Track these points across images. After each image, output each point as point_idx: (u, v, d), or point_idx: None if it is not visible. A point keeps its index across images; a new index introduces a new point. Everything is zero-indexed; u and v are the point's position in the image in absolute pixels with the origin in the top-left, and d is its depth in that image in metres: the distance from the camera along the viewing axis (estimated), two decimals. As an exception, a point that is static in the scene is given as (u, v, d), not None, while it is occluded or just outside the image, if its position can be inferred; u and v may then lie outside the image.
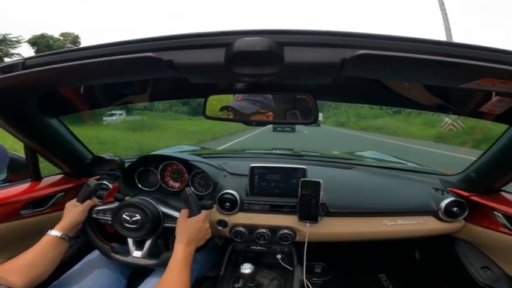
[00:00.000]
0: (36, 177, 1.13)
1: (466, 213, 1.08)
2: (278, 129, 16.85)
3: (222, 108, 0.96)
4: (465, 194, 1.11)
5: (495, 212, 1.00)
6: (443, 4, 12.10)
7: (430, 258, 1.40)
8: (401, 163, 1.83)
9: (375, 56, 0.51)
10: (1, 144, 0.81)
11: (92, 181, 0.99)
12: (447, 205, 1.07)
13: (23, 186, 1.10)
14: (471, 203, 1.08)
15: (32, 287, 0.78)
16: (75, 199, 0.96)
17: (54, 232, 0.86)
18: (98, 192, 1.05)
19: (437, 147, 10.50)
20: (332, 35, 0.53)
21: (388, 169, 1.45)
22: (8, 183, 1.11)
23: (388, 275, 1.54)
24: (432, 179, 1.27)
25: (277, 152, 1.96)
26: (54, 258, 0.84)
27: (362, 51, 0.51)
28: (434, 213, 1.10)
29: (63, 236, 0.87)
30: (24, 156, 1.09)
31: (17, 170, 1.15)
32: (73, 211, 0.92)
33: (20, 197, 1.04)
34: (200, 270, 1.12)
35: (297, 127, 17.41)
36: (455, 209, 1.07)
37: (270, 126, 17.09)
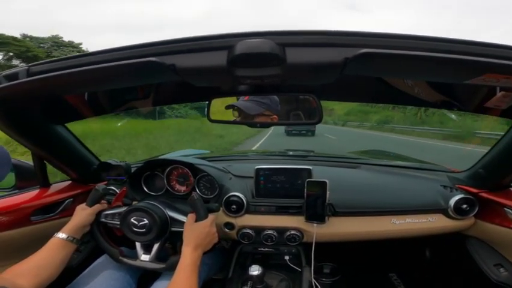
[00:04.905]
0: (45, 184, 1.15)
1: (476, 210, 1.06)
2: (293, 132, 14.47)
3: (228, 107, 0.96)
4: (474, 190, 1.09)
5: (505, 209, 0.99)
6: None
7: (441, 256, 1.38)
8: (407, 161, 1.82)
9: (377, 54, 0.51)
10: (2, 147, 0.82)
11: (101, 185, 1.01)
12: (456, 202, 1.06)
13: (32, 193, 1.11)
14: (481, 199, 1.07)
15: None
16: (84, 203, 0.98)
17: (61, 234, 0.88)
18: (106, 197, 1.06)
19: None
20: (334, 34, 0.53)
21: (394, 167, 1.44)
22: (17, 191, 1.13)
23: (398, 274, 1.52)
24: (440, 176, 1.26)
25: (281, 153, 1.96)
26: (61, 261, 0.86)
27: (364, 50, 0.51)
28: (444, 211, 1.09)
29: (69, 238, 0.88)
30: (32, 163, 1.10)
31: (26, 177, 1.16)
32: (81, 214, 0.94)
33: (29, 204, 1.06)
34: (208, 273, 1.12)
35: (319, 129, 15.31)
36: (464, 206, 1.06)
37: (281, 130, 14.91)
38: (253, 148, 8.93)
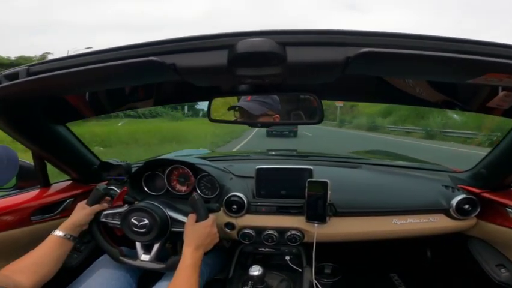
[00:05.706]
0: (45, 183, 1.15)
1: (478, 210, 1.06)
2: (274, 133, 13.05)
3: (230, 108, 0.96)
4: (476, 190, 1.08)
5: (507, 209, 0.98)
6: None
7: (442, 257, 1.38)
8: (408, 161, 1.81)
9: (379, 53, 0.51)
10: (12, 150, 0.82)
11: (102, 185, 1.01)
12: (458, 202, 1.05)
13: (33, 192, 1.11)
14: (482, 199, 1.06)
15: (39, 286, 0.80)
16: (85, 201, 0.98)
17: (58, 232, 0.89)
18: (107, 197, 1.06)
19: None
20: (335, 33, 0.53)
21: (396, 167, 1.43)
22: (17, 190, 1.13)
23: (400, 275, 1.52)
24: (441, 176, 1.25)
25: (283, 153, 1.96)
26: (59, 258, 0.87)
27: (366, 49, 0.50)
28: (445, 211, 1.08)
29: (66, 235, 0.89)
30: (32, 163, 1.10)
31: (26, 177, 1.16)
32: (80, 212, 0.95)
33: (30, 203, 1.06)
34: (210, 273, 1.12)
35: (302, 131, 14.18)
36: (466, 206, 1.05)
37: (263, 131, 13.45)
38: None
